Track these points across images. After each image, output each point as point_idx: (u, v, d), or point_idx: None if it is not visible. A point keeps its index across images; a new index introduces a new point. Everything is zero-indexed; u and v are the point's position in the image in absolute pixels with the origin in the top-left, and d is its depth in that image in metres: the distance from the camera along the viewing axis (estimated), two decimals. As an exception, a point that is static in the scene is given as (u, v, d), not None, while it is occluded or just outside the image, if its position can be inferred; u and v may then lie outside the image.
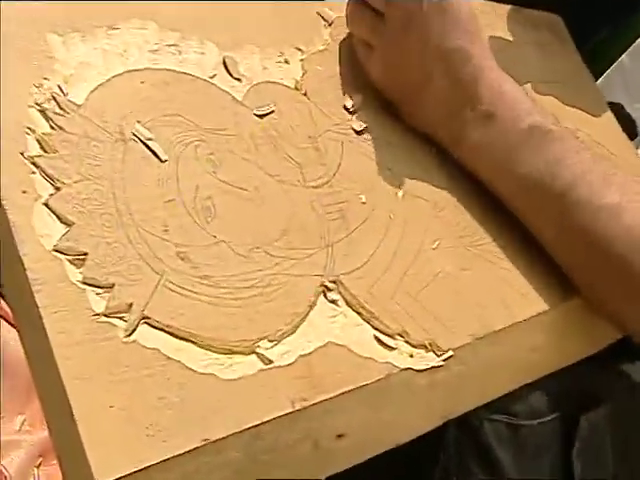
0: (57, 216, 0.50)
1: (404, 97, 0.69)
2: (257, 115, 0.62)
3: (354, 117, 0.68)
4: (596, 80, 1.04)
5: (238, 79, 0.63)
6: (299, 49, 0.69)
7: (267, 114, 0.63)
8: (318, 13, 0.72)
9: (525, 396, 0.68)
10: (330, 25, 0.71)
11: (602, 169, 0.66)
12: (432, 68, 0.67)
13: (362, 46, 0.70)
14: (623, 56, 1.04)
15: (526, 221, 0.68)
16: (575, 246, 0.66)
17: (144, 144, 0.55)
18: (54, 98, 0.54)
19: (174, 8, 0.64)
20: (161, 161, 0.55)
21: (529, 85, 0.84)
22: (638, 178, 0.69)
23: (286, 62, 0.67)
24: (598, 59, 1.09)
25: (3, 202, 0.48)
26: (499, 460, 0.66)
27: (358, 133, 0.67)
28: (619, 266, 0.64)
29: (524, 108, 0.68)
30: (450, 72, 0.67)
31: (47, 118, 0.53)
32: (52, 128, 0.53)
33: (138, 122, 0.56)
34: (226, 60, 0.63)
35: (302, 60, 0.69)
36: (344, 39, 0.72)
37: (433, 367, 0.58)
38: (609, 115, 0.89)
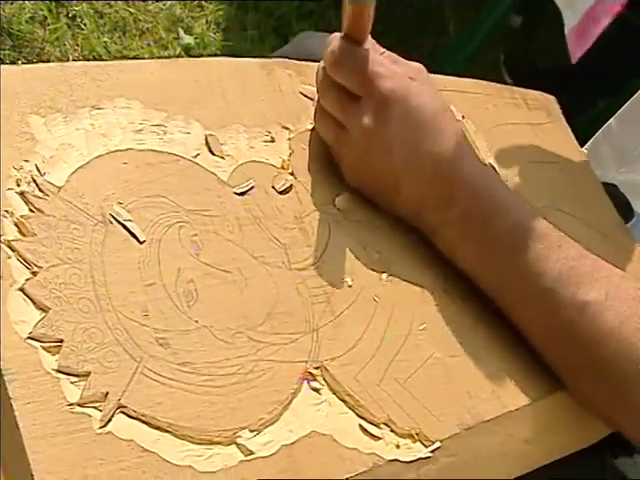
0: (33, 302, 0.50)
1: (376, 198, 0.69)
2: (237, 193, 0.63)
3: (339, 197, 0.68)
4: (584, 144, 1.05)
5: (221, 157, 0.64)
6: (286, 128, 0.70)
7: (246, 191, 0.63)
8: (301, 92, 0.72)
9: None
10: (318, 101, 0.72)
11: (588, 263, 0.66)
12: (399, 177, 0.67)
13: (332, 150, 0.69)
14: (611, 120, 1.05)
15: (512, 317, 0.68)
16: (561, 346, 0.66)
17: (122, 225, 0.55)
18: (34, 180, 0.55)
19: (160, 87, 0.65)
20: (139, 242, 0.55)
21: (521, 165, 0.84)
22: (622, 272, 0.69)
23: (273, 141, 0.68)
24: (594, 129, 1.10)
25: None
26: None
27: (342, 212, 0.67)
28: (605, 369, 0.64)
29: (503, 206, 0.67)
30: (419, 178, 0.67)
31: (26, 201, 0.54)
32: (31, 211, 0.54)
33: (116, 203, 0.57)
34: (208, 139, 0.64)
35: (289, 139, 0.69)
36: None
37: (420, 459, 0.57)
38: (603, 197, 0.90)
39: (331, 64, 0.66)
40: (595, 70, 1.59)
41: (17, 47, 1.65)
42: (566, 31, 1.41)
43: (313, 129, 0.71)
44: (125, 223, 0.56)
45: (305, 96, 0.72)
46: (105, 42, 1.77)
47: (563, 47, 1.42)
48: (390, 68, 0.67)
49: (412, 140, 0.66)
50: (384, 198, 0.69)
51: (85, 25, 1.75)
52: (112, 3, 1.80)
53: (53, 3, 1.72)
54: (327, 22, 1.92)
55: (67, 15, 1.75)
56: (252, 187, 0.64)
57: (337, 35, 0.67)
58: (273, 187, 0.65)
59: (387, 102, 0.65)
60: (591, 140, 1.07)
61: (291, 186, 0.66)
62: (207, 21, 1.92)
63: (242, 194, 0.63)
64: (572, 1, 1.41)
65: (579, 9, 1.38)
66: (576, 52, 1.37)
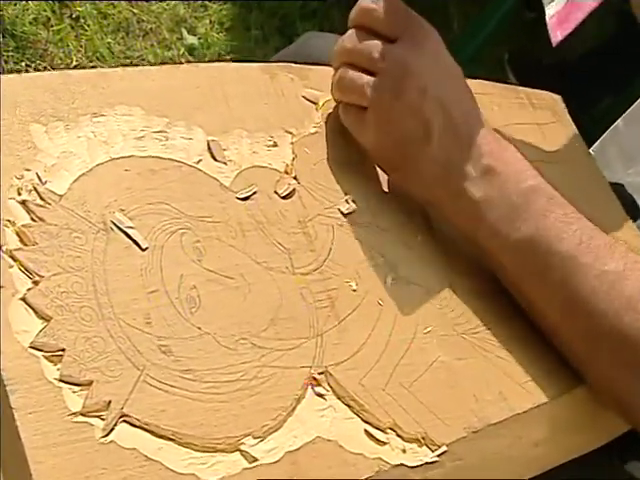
0: (35, 311, 0.50)
1: (398, 158, 0.69)
2: (239, 198, 0.63)
3: (343, 200, 0.68)
4: (592, 145, 1.05)
5: (224, 163, 0.64)
6: (289, 132, 0.70)
7: (249, 197, 0.63)
8: (304, 96, 0.72)
9: None
10: (320, 107, 0.72)
11: (605, 236, 0.67)
12: (432, 119, 0.67)
13: (353, 111, 0.69)
14: (618, 121, 1.05)
15: (531, 294, 0.68)
16: (580, 315, 0.65)
17: (124, 232, 0.55)
18: (35, 189, 0.55)
19: (162, 93, 0.65)
20: (142, 249, 0.55)
21: None
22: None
23: (275, 146, 0.68)
24: (599, 127, 1.10)
25: None
26: None
27: (346, 216, 0.67)
28: (623, 339, 0.64)
29: (526, 168, 0.68)
30: (451, 124, 0.67)
31: (28, 210, 0.54)
32: (33, 220, 0.54)
33: (118, 210, 0.57)
34: (210, 144, 0.64)
35: (292, 143, 0.69)
36: (335, 121, 0.72)
37: (427, 463, 0.57)
38: (610, 196, 0.89)
39: (363, 13, 0.68)
40: (599, 67, 1.59)
41: (20, 49, 1.65)
42: (547, 17, 1.41)
43: (316, 133, 0.71)
44: (127, 230, 0.56)
45: (308, 100, 0.72)
46: (108, 43, 1.76)
47: (568, 41, 1.42)
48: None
49: (446, 82, 0.68)
50: (405, 160, 0.68)
51: (88, 26, 1.75)
52: (115, 4, 1.80)
53: (56, 4, 1.72)
54: (331, 22, 1.92)
55: (70, 16, 1.74)
56: (254, 192, 0.63)
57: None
58: (276, 192, 0.64)
59: (425, 39, 0.68)
60: (598, 141, 1.06)
61: (294, 190, 0.65)
62: (211, 21, 1.92)
63: (245, 199, 0.63)
64: None
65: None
66: (557, 34, 1.36)
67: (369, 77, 0.67)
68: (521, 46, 1.95)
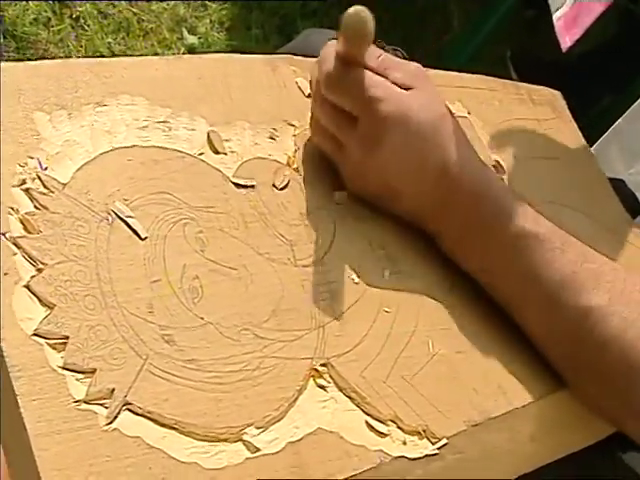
0: (38, 299, 0.50)
1: (378, 204, 0.68)
2: (235, 184, 0.62)
3: (338, 192, 0.67)
4: (593, 144, 1.04)
5: (224, 153, 0.63)
6: (292, 125, 0.69)
7: (246, 186, 0.63)
8: (296, 82, 0.72)
9: None
10: (309, 96, 0.71)
11: (590, 268, 0.66)
12: (400, 190, 0.66)
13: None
14: (620, 120, 1.05)
15: (515, 320, 0.68)
16: (564, 349, 0.66)
17: (124, 222, 0.55)
18: (39, 177, 0.54)
19: (165, 83, 0.65)
20: (141, 239, 0.55)
21: (527, 161, 0.84)
22: (626, 274, 0.68)
23: (278, 138, 0.68)
24: (600, 125, 1.09)
25: None
26: None
27: (348, 209, 0.67)
28: (609, 373, 0.64)
29: (504, 211, 0.66)
30: (420, 192, 0.66)
31: (31, 198, 0.54)
32: (36, 208, 0.53)
33: (121, 200, 0.56)
34: (210, 135, 0.64)
35: (295, 135, 0.69)
36: None
37: (427, 455, 0.57)
38: (609, 192, 0.89)
39: (326, 86, 0.64)
40: (601, 65, 1.58)
41: (21, 49, 1.65)
42: (554, 19, 1.40)
43: None
44: (127, 219, 0.55)
45: (300, 89, 0.72)
46: (109, 43, 1.76)
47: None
48: (387, 89, 0.63)
49: (413, 158, 0.65)
50: (385, 206, 0.68)
51: (89, 26, 1.75)
52: (115, 4, 1.79)
53: (57, 4, 1.71)
54: (331, 20, 1.90)
55: (71, 16, 1.74)
56: (252, 185, 0.63)
57: (331, 51, 0.64)
58: (273, 184, 0.64)
59: (385, 126, 0.63)
60: (599, 140, 1.06)
61: (289, 182, 0.65)
62: (211, 21, 1.91)
63: (242, 186, 0.62)
64: None
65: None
66: (566, 40, 1.35)
67: (335, 145, 0.66)
68: (522, 43, 1.94)
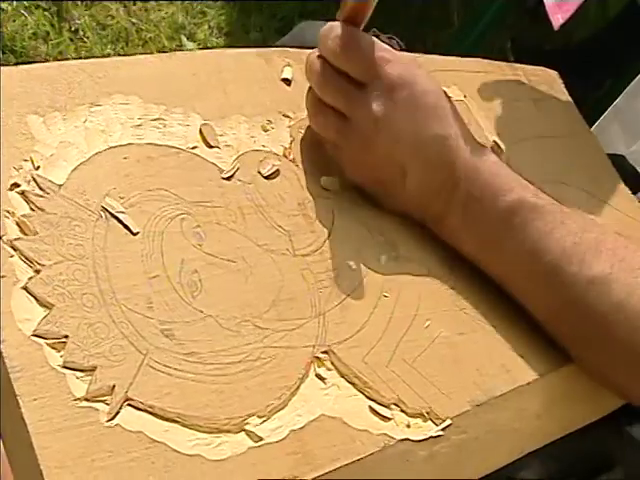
0: (36, 299, 0.49)
1: (379, 191, 0.67)
2: (224, 178, 0.61)
3: (325, 177, 0.66)
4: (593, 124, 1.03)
5: (217, 147, 0.62)
6: (287, 116, 0.68)
7: (232, 175, 0.62)
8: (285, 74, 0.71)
9: (531, 463, 0.65)
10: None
11: (591, 237, 0.64)
12: (406, 163, 0.64)
13: (330, 145, 0.67)
14: (619, 98, 1.03)
15: (518, 297, 0.66)
16: (568, 322, 0.64)
17: (114, 217, 0.54)
18: (34, 179, 0.53)
19: (159, 81, 0.64)
20: (132, 234, 0.54)
21: (525, 140, 0.82)
22: (627, 242, 0.67)
23: (273, 129, 0.66)
24: (603, 109, 1.08)
25: None
26: None
27: (346, 197, 0.65)
28: (614, 342, 0.62)
29: (503, 185, 0.65)
30: (425, 163, 0.65)
31: (27, 200, 0.53)
32: (32, 210, 0.52)
33: (120, 198, 0.55)
34: (202, 129, 0.62)
35: (290, 127, 0.68)
36: None
37: (432, 437, 0.55)
38: (609, 168, 0.87)
39: (335, 51, 0.63)
40: (602, 50, 1.56)
41: (21, 64, 1.63)
42: (546, 1, 1.39)
43: None
44: (117, 215, 0.54)
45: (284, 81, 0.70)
46: (108, 54, 1.74)
47: (570, 25, 1.39)
48: (394, 53, 0.64)
49: (419, 125, 0.64)
50: (388, 190, 0.66)
51: (87, 38, 1.73)
52: (114, 14, 1.77)
53: (55, 18, 1.69)
54: (330, 21, 1.88)
55: (69, 29, 1.72)
56: (237, 168, 0.62)
57: (335, 23, 0.64)
58: (259, 172, 0.62)
59: (394, 87, 0.63)
60: (599, 120, 1.04)
61: (277, 171, 0.64)
62: (210, 26, 1.89)
63: (229, 178, 0.61)
64: None
65: None
66: (558, 18, 1.34)
67: (341, 122, 0.65)
68: (523, 33, 1.92)
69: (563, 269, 0.63)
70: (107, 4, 1.74)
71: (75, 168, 0.56)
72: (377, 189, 0.67)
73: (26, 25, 1.64)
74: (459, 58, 0.86)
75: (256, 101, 0.67)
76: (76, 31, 1.71)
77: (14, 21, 1.62)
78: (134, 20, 1.80)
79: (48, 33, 1.68)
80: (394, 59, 0.64)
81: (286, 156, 0.66)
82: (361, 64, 0.63)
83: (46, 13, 1.65)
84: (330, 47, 0.63)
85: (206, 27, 1.89)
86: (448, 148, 0.64)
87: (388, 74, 0.63)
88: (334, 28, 0.63)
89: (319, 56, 0.65)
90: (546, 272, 0.63)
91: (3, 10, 1.56)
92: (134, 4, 1.79)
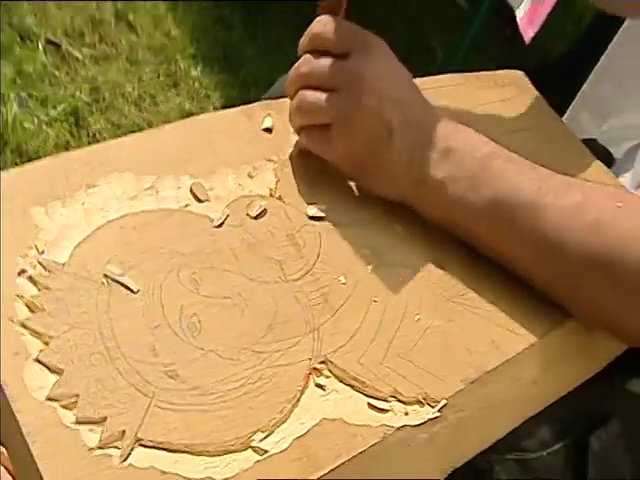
0: (48, 368, 0.49)
1: (366, 161, 0.65)
2: (216, 226, 0.60)
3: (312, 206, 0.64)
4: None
5: (207, 200, 0.61)
6: (271, 160, 0.67)
7: (223, 222, 0.61)
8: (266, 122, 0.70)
9: (532, 429, 0.61)
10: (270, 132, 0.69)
11: (560, 177, 0.63)
12: (392, 118, 0.63)
13: (316, 132, 0.66)
14: (584, 86, 0.99)
15: (500, 249, 0.63)
16: (551, 258, 0.61)
17: (116, 281, 0.53)
18: (39, 263, 0.53)
19: (150, 154, 0.63)
20: (133, 292, 0.53)
21: (496, 137, 0.79)
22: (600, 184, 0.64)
23: (259, 175, 0.66)
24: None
25: None
26: None
27: (331, 221, 0.64)
28: (595, 265, 0.59)
29: (480, 139, 0.65)
30: (409, 120, 0.64)
31: (34, 282, 0.53)
32: (39, 290, 0.52)
33: (120, 263, 0.55)
34: (193, 187, 0.62)
35: (274, 169, 0.66)
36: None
37: (429, 419, 0.53)
38: (584, 151, 0.83)
39: (319, 28, 0.65)
40: (578, 63, 1.52)
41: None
42: (517, 19, 1.40)
43: (296, 155, 0.68)
44: (118, 278, 0.54)
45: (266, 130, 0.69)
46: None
47: (548, 42, 1.38)
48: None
49: (401, 86, 0.65)
50: (376, 153, 0.64)
51: (104, 138, 1.71)
52: (127, 114, 1.76)
53: (74, 127, 1.68)
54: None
55: (88, 134, 1.70)
56: (227, 215, 0.61)
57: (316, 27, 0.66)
58: (247, 214, 0.61)
59: (374, 49, 0.64)
60: (569, 110, 1.01)
61: (265, 210, 0.62)
62: (214, 107, 1.87)
63: (220, 226, 0.60)
64: None
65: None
66: (529, 33, 1.35)
67: (328, 95, 0.64)
68: (505, 58, 1.88)
69: (539, 203, 0.60)
70: (120, 107, 1.73)
71: (77, 246, 0.56)
72: (365, 159, 0.65)
73: (48, 139, 1.63)
74: (434, 76, 0.84)
75: (242, 153, 0.66)
76: (94, 135, 1.71)
77: (38, 137, 1.61)
78: (145, 115, 1.79)
79: (68, 142, 1.68)
80: (367, 33, 0.65)
81: (272, 195, 0.65)
82: (340, 36, 0.64)
83: (64, 124, 1.65)
84: (312, 31, 0.65)
85: (211, 108, 1.87)
86: (429, 108, 0.65)
87: (369, 36, 0.65)
88: (314, 27, 0.65)
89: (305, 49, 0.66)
90: (524, 210, 0.61)
91: (26, 129, 1.57)
92: (143, 101, 1.77)
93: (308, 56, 0.66)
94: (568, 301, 0.62)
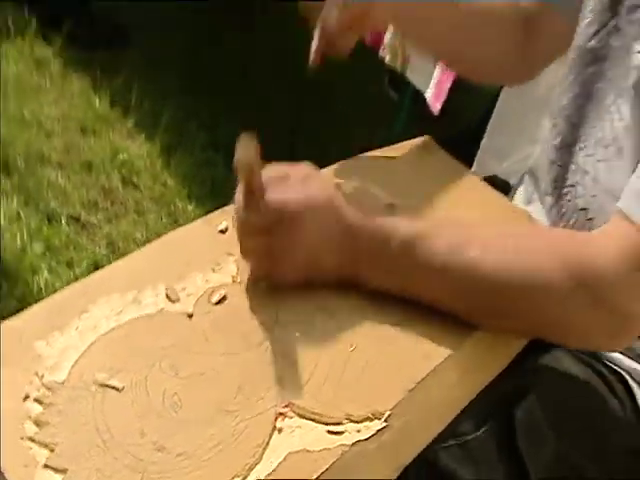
0: (54, 470, 0.54)
1: (310, 273, 0.69)
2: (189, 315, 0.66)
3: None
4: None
5: (178, 300, 0.67)
6: (230, 254, 0.73)
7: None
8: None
9: (466, 414, 0.64)
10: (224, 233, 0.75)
11: (462, 234, 0.67)
12: (319, 253, 0.67)
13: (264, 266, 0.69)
14: (484, 139, 1.08)
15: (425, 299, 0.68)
16: (466, 298, 0.67)
17: (104, 385, 0.59)
18: (43, 385, 0.59)
19: (132, 275, 0.70)
20: (118, 391, 0.58)
21: (409, 193, 0.83)
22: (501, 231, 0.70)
23: (222, 267, 0.71)
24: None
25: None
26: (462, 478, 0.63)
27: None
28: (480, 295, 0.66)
29: (393, 225, 0.68)
30: (331, 245, 0.67)
31: (40, 402, 0.58)
32: (44, 408, 0.58)
33: (110, 369, 0.60)
34: (167, 292, 0.68)
35: (235, 260, 0.72)
36: None
37: (378, 430, 0.57)
38: (485, 187, 0.89)
39: (247, 217, 0.67)
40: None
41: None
42: (427, 98, 1.52)
43: None
44: (106, 382, 0.59)
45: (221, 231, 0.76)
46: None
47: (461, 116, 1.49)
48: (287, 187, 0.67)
49: (325, 223, 0.67)
50: (312, 271, 0.69)
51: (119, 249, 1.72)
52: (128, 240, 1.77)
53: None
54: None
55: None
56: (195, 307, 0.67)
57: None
58: (209, 301, 0.67)
59: (295, 219, 0.66)
60: (475, 161, 1.09)
61: (225, 297, 0.68)
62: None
63: (191, 316, 0.66)
64: (426, 81, 1.53)
65: (431, 82, 1.49)
66: (436, 106, 1.47)
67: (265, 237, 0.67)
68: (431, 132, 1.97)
69: (451, 261, 0.65)
70: (132, 251, 1.75)
71: (74, 364, 0.61)
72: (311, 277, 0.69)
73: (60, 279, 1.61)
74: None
75: (205, 255, 0.72)
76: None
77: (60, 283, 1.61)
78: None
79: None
80: (289, 193, 0.66)
81: (234, 281, 0.70)
82: (261, 216, 0.66)
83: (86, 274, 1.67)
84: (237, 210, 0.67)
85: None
86: (344, 224, 0.67)
87: (283, 220, 0.66)
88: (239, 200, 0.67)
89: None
90: (438, 271, 0.66)
91: (57, 288, 1.55)
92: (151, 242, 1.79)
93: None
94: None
